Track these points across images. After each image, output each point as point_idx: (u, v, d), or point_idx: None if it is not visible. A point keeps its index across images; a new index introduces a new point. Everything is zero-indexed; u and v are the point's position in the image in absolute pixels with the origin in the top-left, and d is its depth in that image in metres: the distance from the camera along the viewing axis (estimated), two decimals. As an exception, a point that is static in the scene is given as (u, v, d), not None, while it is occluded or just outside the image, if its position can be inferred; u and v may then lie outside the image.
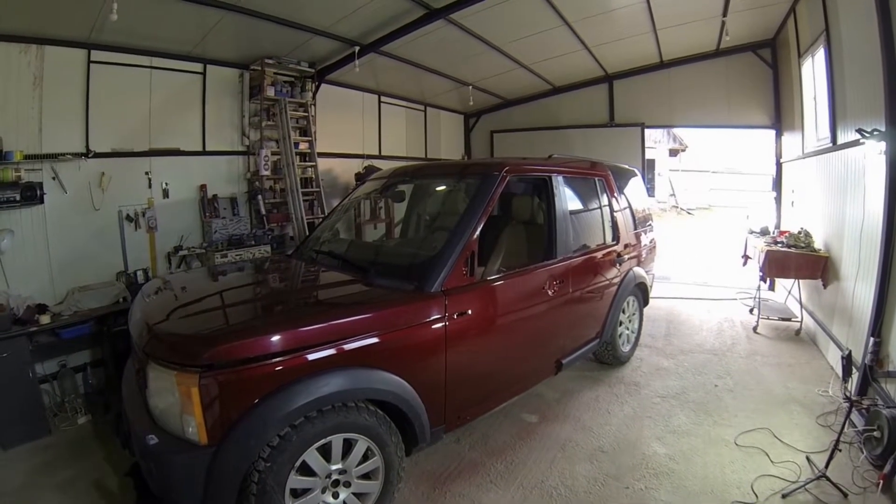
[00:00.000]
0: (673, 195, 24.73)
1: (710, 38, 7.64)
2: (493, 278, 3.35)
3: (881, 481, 3.03)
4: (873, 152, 3.96)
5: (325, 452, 2.54)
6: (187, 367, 2.22)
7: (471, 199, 3.45)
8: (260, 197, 6.44)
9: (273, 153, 6.57)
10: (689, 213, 22.61)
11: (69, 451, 3.81)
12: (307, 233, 5.58)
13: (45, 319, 4.19)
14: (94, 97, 4.97)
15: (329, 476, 2.58)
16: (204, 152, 6.09)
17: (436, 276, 3.00)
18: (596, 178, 4.70)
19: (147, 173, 5.51)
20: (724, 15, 6.48)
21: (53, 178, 4.70)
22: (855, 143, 4.34)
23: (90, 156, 4.95)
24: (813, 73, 5.92)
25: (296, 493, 2.49)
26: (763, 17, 6.96)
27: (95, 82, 4.97)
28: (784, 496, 3.08)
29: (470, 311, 3.11)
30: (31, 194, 4.42)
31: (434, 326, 2.92)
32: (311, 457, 2.48)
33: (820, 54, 5.46)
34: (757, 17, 6.90)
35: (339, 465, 2.60)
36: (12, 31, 4.33)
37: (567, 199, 4.10)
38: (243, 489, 2.36)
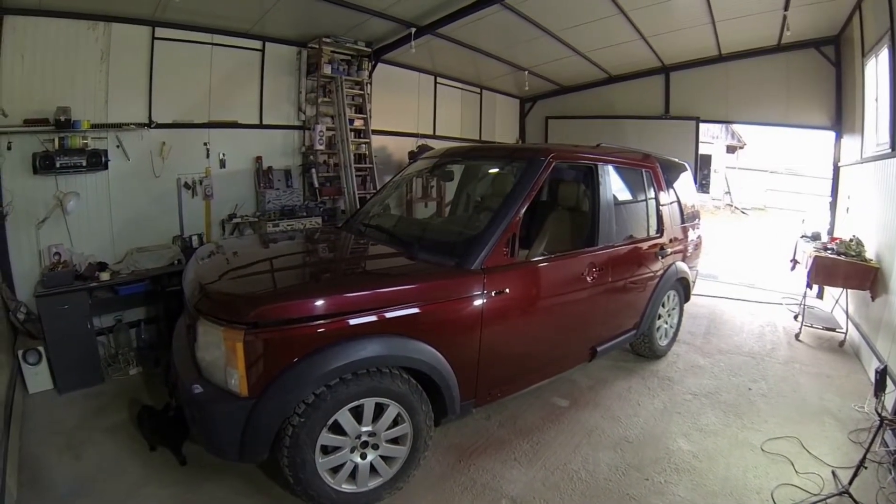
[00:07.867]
0: (728, 193, 23.83)
1: (771, 32, 7.31)
2: (533, 261, 3.41)
3: (906, 505, 2.92)
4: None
5: (357, 414, 2.67)
6: (234, 323, 2.38)
7: (515, 183, 3.49)
8: (314, 170, 6.59)
9: (328, 129, 6.70)
10: (743, 213, 21.78)
11: (119, 399, 4.08)
12: (358, 207, 5.71)
13: (104, 276, 4.48)
14: (157, 71, 5.20)
15: (359, 437, 2.70)
16: (261, 126, 6.28)
17: (476, 254, 3.07)
18: (644, 170, 4.64)
19: (205, 144, 5.74)
20: (786, 9, 6.21)
21: (118, 147, 4.99)
22: (915, 151, 4.14)
23: (152, 126, 5.21)
24: (876, 73, 5.63)
25: (326, 450, 2.64)
26: (826, 12, 6.61)
27: (159, 57, 5.20)
28: (802, 508, 3.01)
29: (508, 291, 3.17)
30: (97, 160, 4.72)
31: (472, 302, 2.99)
32: (344, 417, 2.61)
33: (884, 54, 5.18)
34: (820, 12, 6.56)
35: (370, 428, 2.72)
36: (81, 9, 4.58)
37: (612, 188, 4.09)
38: (277, 440, 2.52)
